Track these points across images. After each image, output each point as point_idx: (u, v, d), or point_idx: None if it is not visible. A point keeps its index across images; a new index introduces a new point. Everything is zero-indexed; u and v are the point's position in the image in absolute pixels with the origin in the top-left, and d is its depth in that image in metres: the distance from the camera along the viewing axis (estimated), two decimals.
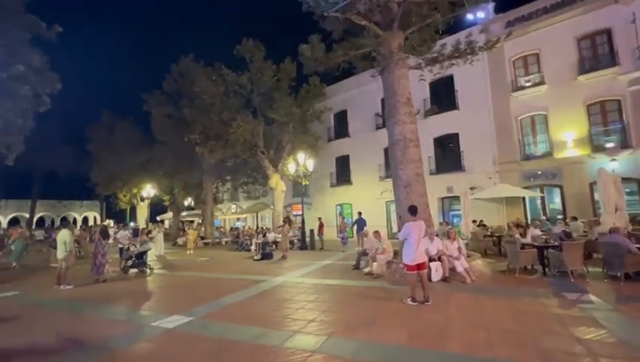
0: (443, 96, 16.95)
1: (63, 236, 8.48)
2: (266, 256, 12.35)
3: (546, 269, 7.55)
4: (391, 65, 8.72)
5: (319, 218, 16.30)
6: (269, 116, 17.64)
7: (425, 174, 9.18)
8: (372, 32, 9.03)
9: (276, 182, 18.07)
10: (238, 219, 29.29)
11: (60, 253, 8.34)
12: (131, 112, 41.66)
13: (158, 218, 32.36)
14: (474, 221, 12.76)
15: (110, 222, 22.12)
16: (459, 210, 15.14)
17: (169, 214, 30.49)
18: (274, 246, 14.50)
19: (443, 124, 16.67)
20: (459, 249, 7.46)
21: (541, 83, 14.44)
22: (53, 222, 42.57)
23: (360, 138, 20.40)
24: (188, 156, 21.17)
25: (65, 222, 31.57)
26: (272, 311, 5.51)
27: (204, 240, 20.42)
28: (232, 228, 25.52)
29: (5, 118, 9.29)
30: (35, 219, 36.83)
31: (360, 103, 20.49)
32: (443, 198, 17.19)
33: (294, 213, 23.19)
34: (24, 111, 9.86)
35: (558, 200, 14.46)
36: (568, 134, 13.73)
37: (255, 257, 12.55)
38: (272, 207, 19.15)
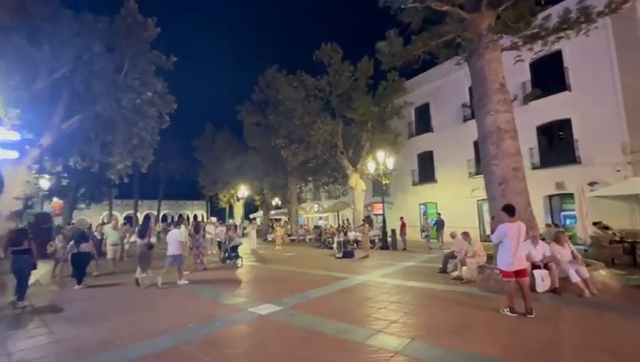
0: (548, 76, 14.41)
1: (181, 230, 10.27)
2: (348, 254, 12.54)
3: None
4: (479, 49, 7.88)
5: (401, 218, 15.76)
6: (347, 116, 17.88)
7: (526, 169, 8.02)
8: (455, 17, 8.32)
9: (356, 181, 18.19)
10: (320, 218, 30.44)
11: None
12: (228, 123, 47.36)
13: (251, 216, 35.94)
14: (595, 223, 10.53)
15: (213, 219, 25.52)
16: (573, 209, 12.74)
17: (260, 212, 33.61)
18: (355, 244, 14.62)
19: (549, 109, 14.21)
20: (572, 254, 6.30)
21: None
22: (172, 218, 51.37)
23: (445, 132, 18.95)
24: (275, 159, 23.03)
25: (180, 219, 38.03)
26: (354, 308, 5.61)
27: (290, 237, 21.86)
28: (315, 226, 26.69)
29: (140, 135, 12.00)
30: (160, 216, 45.18)
31: (444, 95, 19.04)
32: (551, 196, 14.67)
33: (375, 212, 22.93)
34: (152, 129, 12.53)
35: None
36: None
37: (337, 255, 12.87)
38: (352, 206, 19.34)
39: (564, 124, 14.15)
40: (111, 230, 10.42)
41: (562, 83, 13.98)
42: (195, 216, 54.31)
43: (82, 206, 27.23)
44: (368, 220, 18.01)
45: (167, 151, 31.76)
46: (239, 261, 11.32)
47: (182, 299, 6.77)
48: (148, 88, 11.58)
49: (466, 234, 8.38)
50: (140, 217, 43.75)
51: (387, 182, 16.43)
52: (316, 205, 30.96)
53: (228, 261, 11.36)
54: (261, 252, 15.39)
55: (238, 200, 30.59)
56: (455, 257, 8.33)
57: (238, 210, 31.63)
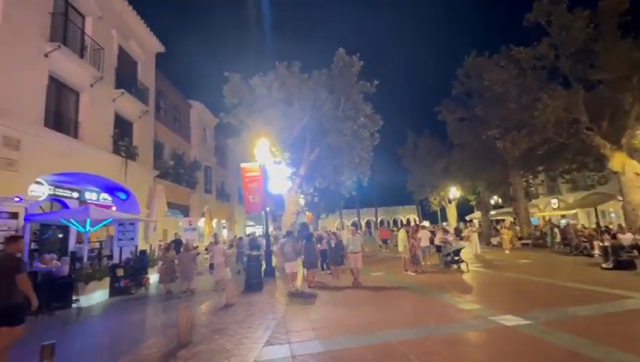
0: None
1: (401, 234, 11.15)
2: (623, 264, 9.13)
3: None
4: None
5: None
6: (590, 79, 13.34)
7: None
8: None
9: (621, 162, 13.01)
10: (563, 216, 23.83)
11: (401, 247, 10.97)
12: (428, 126, 47.16)
13: (467, 217, 33.29)
14: None
15: (425, 223, 25.73)
16: None
17: (477, 213, 30.59)
18: (635, 251, 10.43)
19: None
20: None
21: None
22: (388, 223, 56.09)
23: None
24: (487, 154, 20.44)
25: (402, 224, 40.87)
26: None
27: (522, 241, 18.45)
28: (554, 226, 21.15)
29: (360, 155, 14.42)
30: (378, 221, 50.57)
31: None
32: None
33: None
34: (367, 148, 14.73)
35: None
36: None
37: (603, 265, 9.66)
38: (619, 198, 13.91)
39: None
40: (351, 237, 9.53)
41: None
42: (408, 221, 56.53)
43: (323, 216, 35.11)
44: None
45: (379, 163, 35.56)
46: (463, 265, 10.82)
47: (417, 299, 7.23)
48: (360, 114, 13.84)
49: None
50: (363, 223, 50.81)
51: None
52: (554, 200, 24.56)
53: (452, 265, 11.14)
54: (487, 257, 13.95)
55: (450, 202, 29.28)
56: None
57: (452, 212, 30.19)
